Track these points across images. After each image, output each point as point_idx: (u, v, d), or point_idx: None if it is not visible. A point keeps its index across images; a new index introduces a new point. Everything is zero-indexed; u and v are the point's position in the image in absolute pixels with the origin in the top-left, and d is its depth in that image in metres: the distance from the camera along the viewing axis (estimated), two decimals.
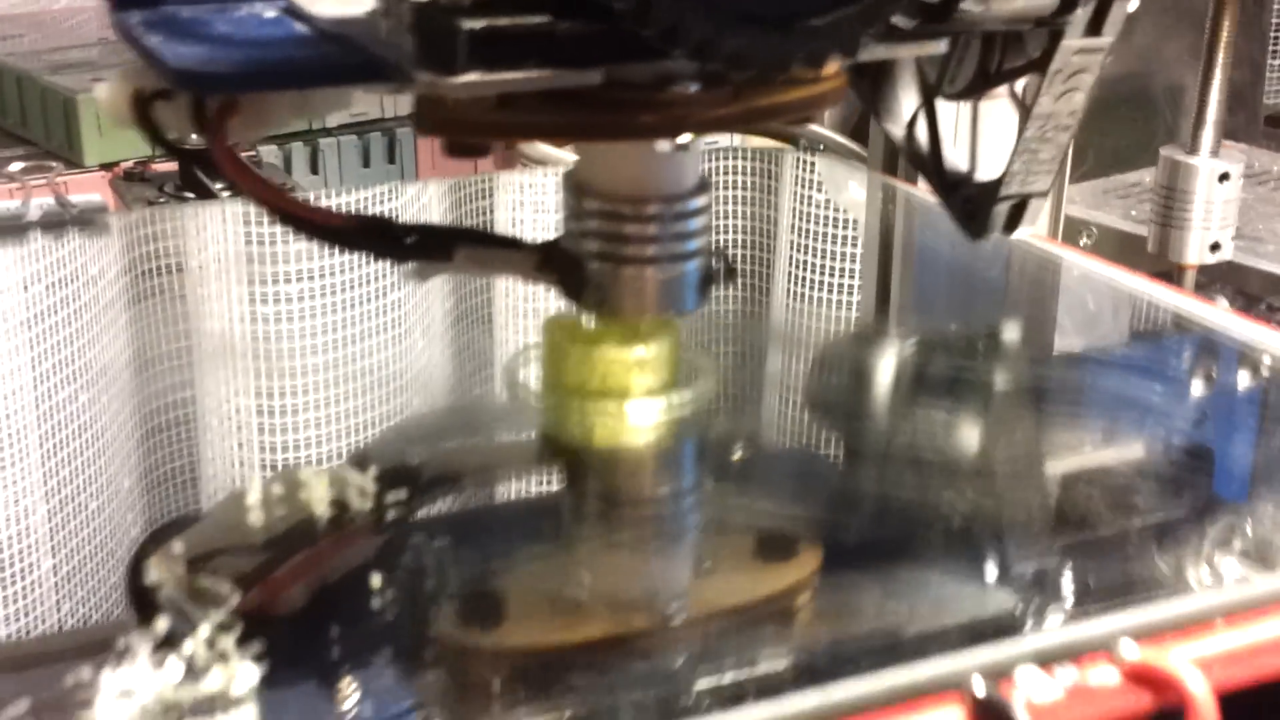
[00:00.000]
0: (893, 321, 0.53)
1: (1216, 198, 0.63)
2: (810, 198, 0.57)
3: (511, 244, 0.39)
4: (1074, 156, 0.65)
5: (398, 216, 0.52)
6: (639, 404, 0.39)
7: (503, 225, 0.55)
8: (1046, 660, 0.29)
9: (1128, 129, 0.80)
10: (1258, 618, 0.31)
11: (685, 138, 0.34)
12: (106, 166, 0.78)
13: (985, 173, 0.41)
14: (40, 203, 0.50)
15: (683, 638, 0.33)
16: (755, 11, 0.31)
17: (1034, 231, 0.49)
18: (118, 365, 0.45)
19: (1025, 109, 0.39)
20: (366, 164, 0.78)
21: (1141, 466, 0.41)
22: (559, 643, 0.32)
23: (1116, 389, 0.47)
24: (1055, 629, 0.31)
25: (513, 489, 0.42)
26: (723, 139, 0.74)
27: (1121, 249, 0.67)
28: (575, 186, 0.37)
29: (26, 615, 0.35)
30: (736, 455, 0.42)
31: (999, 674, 0.28)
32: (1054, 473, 0.40)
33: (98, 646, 0.30)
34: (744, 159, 0.60)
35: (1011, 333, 0.51)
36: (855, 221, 0.56)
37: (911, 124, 0.43)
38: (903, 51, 0.35)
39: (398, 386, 0.47)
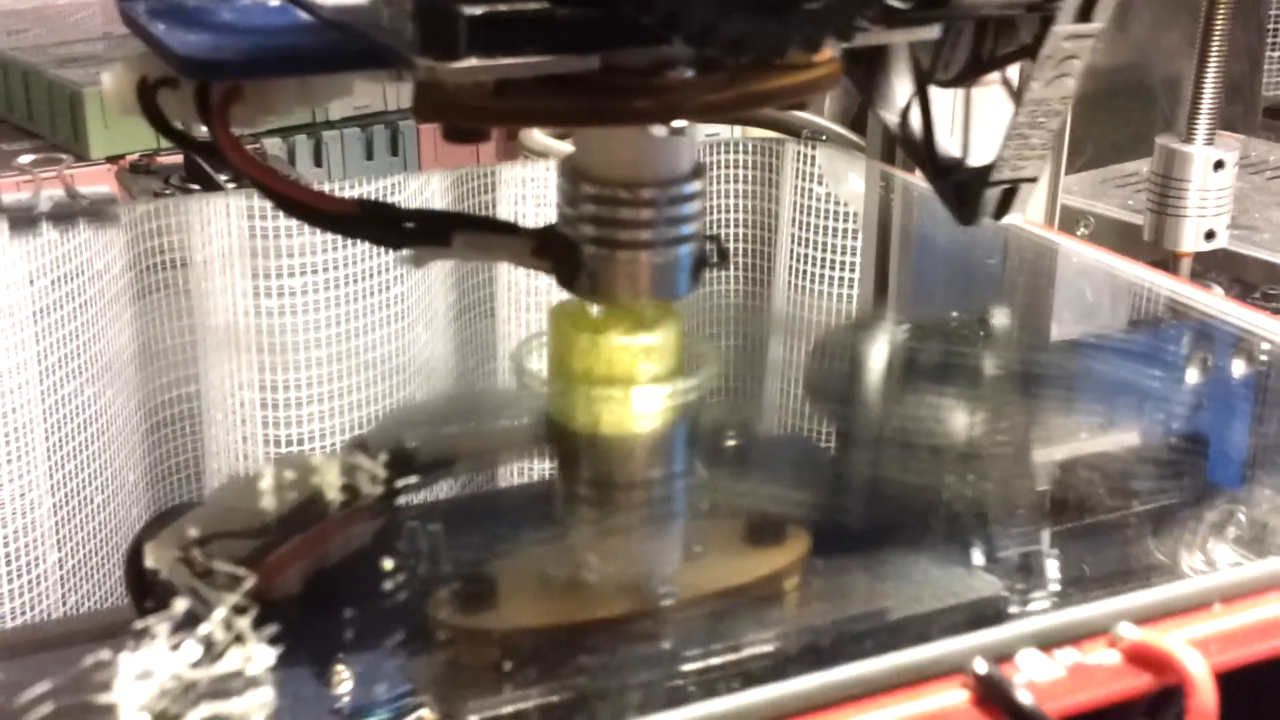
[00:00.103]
0: (892, 309, 0.54)
1: (1211, 186, 0.63)
2: (811, 190, 0.57)
3: (508, 229, 0.40)
4: (1073, 147, 0.65)
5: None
6: (644, 390, 0.39)
7: (505, 217, 0.56)
8: (1047, 643, 0.29)
9: (1126, 120, 0.80)
10: (1254, 600, 0.31)
11: (680, 123, 0.34)
12: (112, 159, 0.79)
13: (977, 159, 0.41)
14: (50, 194, 0.50)
15: (689, 620, 0.33)
16: None
17: (1030, 220, 0.50)
18: (123, 358, 0.45)
19: (1017, 95, 0.39)
20: (370, 156, 0.79)
21: (1139, 452, 0.41)
22: (573, 623, 0.33)
23: (1112, 374, 0.47)
24: (1055, 612, 0.31)
25: (520, 474, 0.42)
26: (724, 131, 0.75)
27: (1118, 238, 0.67)
28: (571, 172, 0.38)
29: (33, 608, 0.36)
30: (740, 441, 0.43)
31: (1001, 656, 0.29)
32: (1053, 458, 0.41)
33: (108, 631, 0.31)
34: (745, 152, 0.60)
35: (1010, 319, 0.51)
36: (855, 214, 0.56)
37: (905, 111, 0.43)
38: (896, 37, 0.36)
39: (403, 378, 0.48)
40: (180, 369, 0.45)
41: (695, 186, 0.38)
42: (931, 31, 0.36)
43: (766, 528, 0.37)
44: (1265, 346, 0.45)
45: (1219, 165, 0.63)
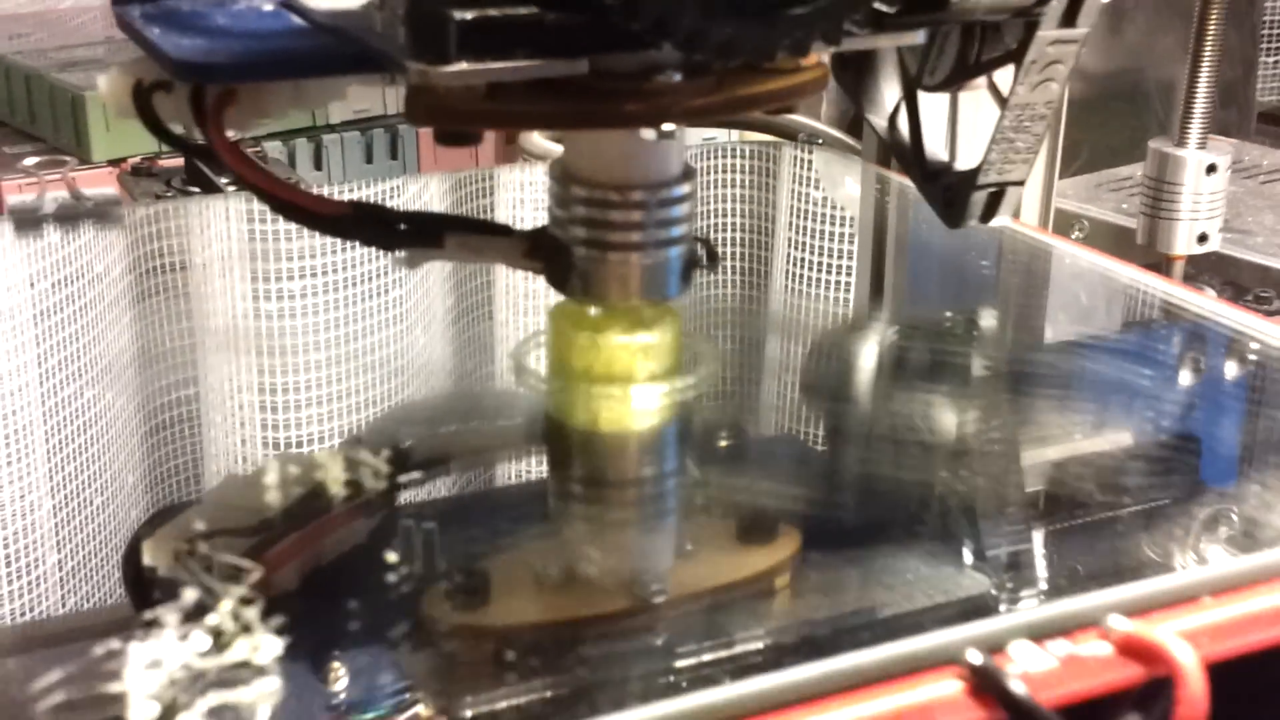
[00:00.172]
0: (888, 311, 0.54)
1: (1204, 189, 0.63)
2: (808, 195, 0.58)
3: (500, 231, 0.40)
4: (1067, 151, 0.66)
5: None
6: (643, 389, 0.40)
7: (503, 220, 0.56)
8: (1039, 634, 0.30)
9: (1120, 124, 0.80)
10: (1244, 593, 0.31)
11: (669, 126, 0.35)
12: (114, 162, 0.79)
13: (964, 162, 0.42)
14: (54, 196, 0.50)
15: (687, 613, 0.33)
16: (741, 2, 0.32)
17: (1024, 223, 0.50)
18: (123, 361, 0.46)
19: (1003, 100, 0.39)
20: (369, 160, 0.79)
21: (1131, 450, 0.42)
22: (574, 618, 0.33)
23: (1105, 374, 0.48)
24: (1048, 604, 0.31)
25: (520, 471, 0.43)
26: (720, 135, 0.75)
27: (1112, 241, 0.68)
28: (562, 175, 0.38)
29: (32, 610, 0.36)
30: (737, 439, 0.43)
31: (994, 647, 0.29)
32: (1046, 457, 0.41)
33: (111, 626, 0.31)
34: (742, 156, 0.60)
35: (1005, 321, 0.52)
36: (852, 218, 0.57)
37: (894, 115, 0.44)
38: (882, 41, 0.36)
39: (403, 380, 0.48)
40: (180, 371, 0.45)
41: (685, 189, 0.38)
42: (917, 36, 0.36)
43: (764, 524, 0.38)
44: (1256, 347, 0.45)
45: (1211, 169, 0.63)
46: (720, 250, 0.57)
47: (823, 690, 0.28)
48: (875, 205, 0.59)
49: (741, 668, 0.30)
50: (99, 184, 0.52)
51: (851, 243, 0.55)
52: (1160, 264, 0.64)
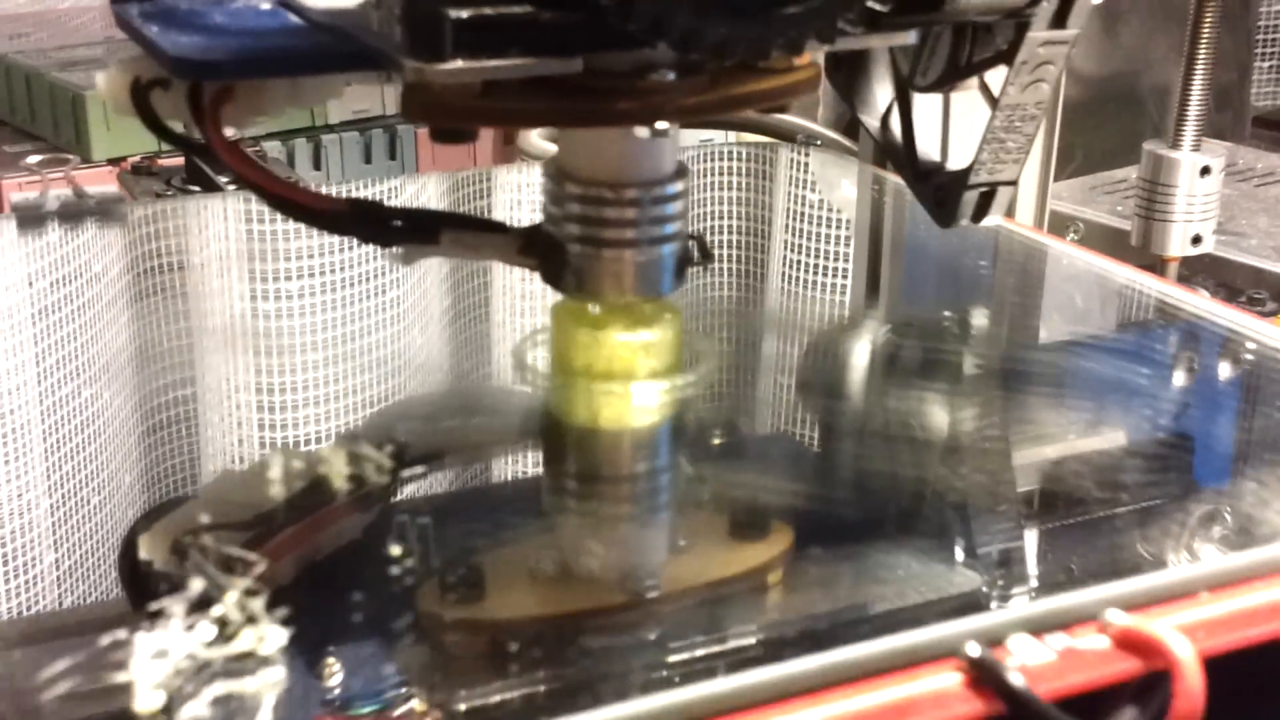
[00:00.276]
0: (885, 310, 0.54)
1: (1198, 191, 0.64)
2: (804, 197, 0.58)
3: (495, 228, 0.40)
4: (1062, 154, 0.66)
5: None
6: (644, 386, 0.40)
7: (501, 220, 0.56)
8: (1038, 628, 0.30)
9: (1115, 127, 0.81)
10: (1240, 588, 0.32)
11: (663, 124, 0.35)
12: (114, 162, 0.79)
13: (956, 163, 0.42)
14: (57, 194, 0.51)
15: (688, 606, 0.34)
16: (736, 1, 0.32)
17: (1020, 223, 0.50)
18: (121, 360, 0.46)
19: (994, 100, 0.40)
20: (368, 160, 0.79)
21: (1129, 447, 0.42)
22: (576, 612, 0.34)
23: (1101, 373, 0.48)
24: (1046, 599, 0.31)
25: (521, 467, 0.43)
26: (718, 136, 0.75)
27: (1107, 243, 0.68)
28: (556, 172, 0.39)
29: (29, 608, 0.36)
30: (737, 436, 0.43)
31: (993, 641, 0.29)
32: (1043, 454, 0.41)
33: (109, 620, 0.31)
34: (740, 159, 0.61)
35: (1001, 320, 0.52)
36: (849, 221, 0.57)
37: (886, 115, 0.44)
38: (874, 41, 0.36)
39: (401, 380, 0.48)
40: (177, 371, 0.45)
41: (678, 186, 0.38)
42: (909, 37, 0.36)
43: (763, 519, 0.38)
44: (1251, 346, 0.45)
45: (1205, 171, 0.63)
46: (718, 251, 0.57)
47: (824, 682, 0.28)
48: (872, 206, 0.59)
49: (742, 660, 0.30)
50: (99, 183, 0.52)
51: (848, 244, 0.56)
52: (1154, 266, 0.64)
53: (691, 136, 0.64)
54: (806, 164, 0.60)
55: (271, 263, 0.50)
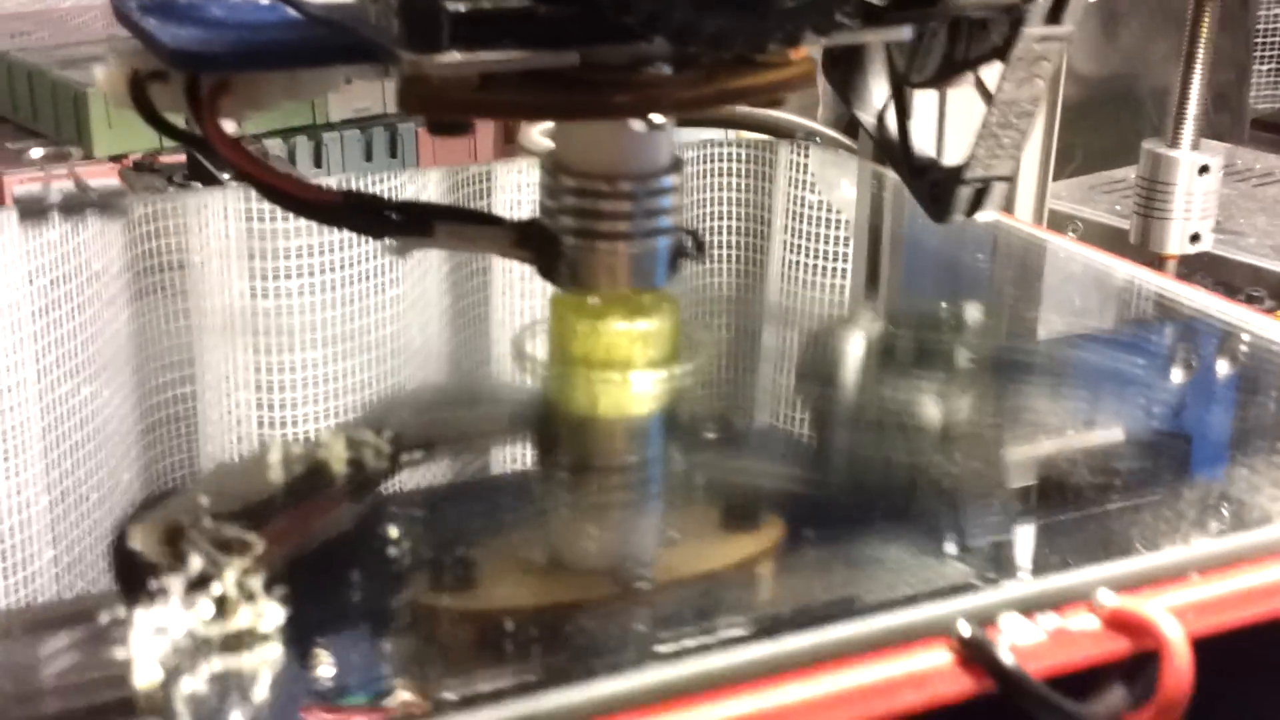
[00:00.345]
0: (883, 304, 0.54)
1: (1197, 189, 0.64)
2: (803, 198, 0.58)
3: (490, 220, 0.40)
4: (1062, 154, 0.66)
5: None
6: (641, 375, 0.40)
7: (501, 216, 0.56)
8: (1029, 608, 0.30)
9: (1115, 128, 0.81)
10: (1230, 571, 0.32)
11: (658, 118, 0.35)
12: (116, 159, 0.80)
13: (952, 159, 0.42)
14: (60, 187, 0.51)
15: (687, 586, 0.34)
16: None
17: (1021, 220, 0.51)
18: (120, 359, 0.46)
19: (989, 96, 0.40)
20: (369, 157, 0.79)
21: (1124, 434, 0.42)
22: (578, 595, 0.34)
23: (1099, 364, 0.48)
24: (1038, 579, 0.32)
25: (521, 455, 0.43)
26: (718, 135, 0.75)
27: (1106, 242, 0.68)
28: (552, 166, 0.39)
29: (27, 606, 0.36)
30: (734, 423, 0.44)
31: (984, 620, 0.29)
32: (1040, 440, 0.42)
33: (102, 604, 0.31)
34: (739, 160, 0.61)
35: (1000, 313, 0.52)
36: (848, 222, 0.57)
37: (882, 112, 0.44)
38: (869, 36, 0.36)
39: (402, 378, 0.48)
40: (176, 369, 0.45)
41: (673, 180, 0.39)
42: (904, 32, 0.36)
43: (761, 503, 0.38)
44: (1246, 338, 0.46)
45: (1204, 169, 0.64)
46: (720, 246, 0.57)
47: (817, 659, 0.29)
48: (872, 203, 0.59)
49: (738, 638, 0.30)
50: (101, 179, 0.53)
51: (847, 244, 0.56)
52: (1153, 264, 0.64)
53: (692, 135, 0.64)
54: (806, 162, 0.60)
55: (272, 260, 0.50)
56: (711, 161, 0.60)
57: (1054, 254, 0.54)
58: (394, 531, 0.36)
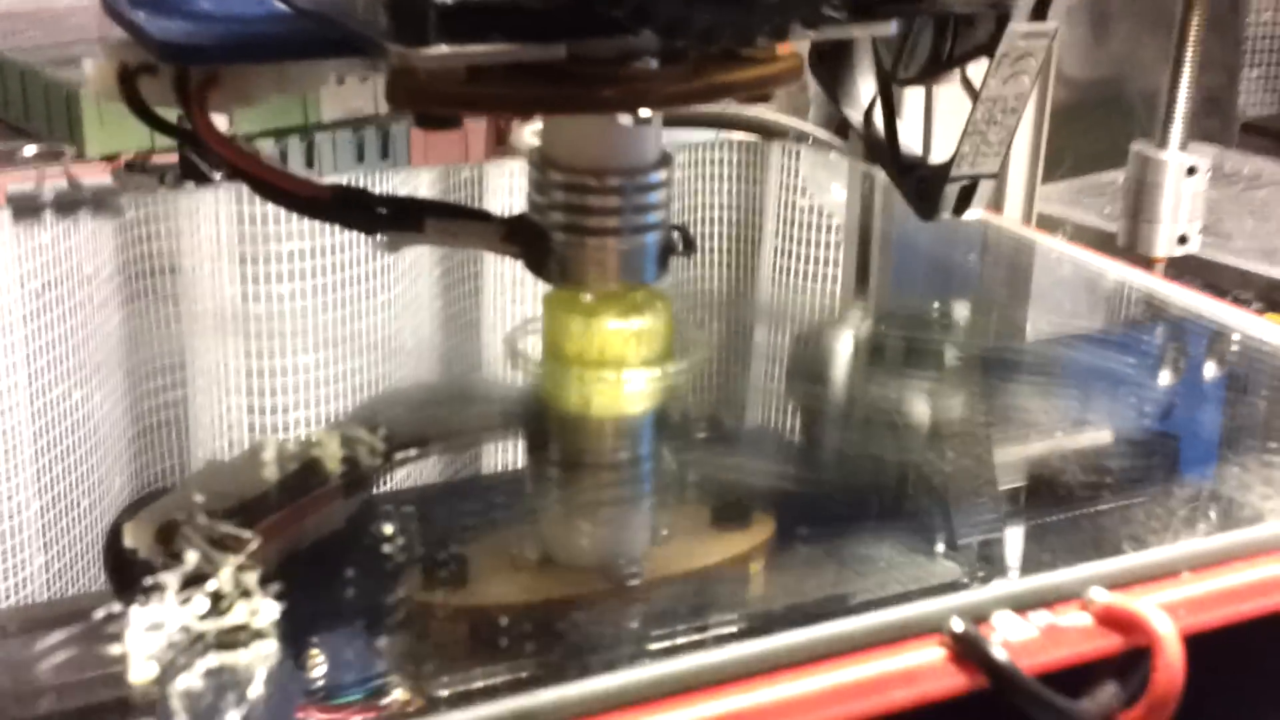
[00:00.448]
0: (873, 302, 0.55)
1: (1184, 191, 0.64)
2: (794, 202, 0.58)
3: (479, 216, 0.41)
4: (1052, 158, 0.66)
5: None
6: (634, 373, 0.41)
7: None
8: (1022, 605, 0.30)
9: (1104, 133, 0.81)
10: (1221, 569, 0.32)
11: (645, 112, 0.35)
12: (109, 159, 0.79)
13: (939, 156, 0.42)
14: (53, 185, 0.51)
15: (682, 583, 0.34)
16: None
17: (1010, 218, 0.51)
18: (112, 362, 0.46)
19: (975, 94, 0.40)
20: (361, 158, 0.79)
21: (1115, 433, 0.42)
22: (573, 591, 0.34)
23: (1090, 363, 0.48)
24: (1030, 577, 0.32)
25: (515, 451, 0.43)
26: (709, 134, 0.75)
27: (1095, 245, 0.68)
28: (540, 161, 0.39)
29: (20, 610, 0.35)
30: (728, 421, 0.44)
31: (978, 617, 0.30)
32: (1032, 439, 0.42)
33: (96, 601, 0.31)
34: (730, 163, 0.61)
35: (991, 312, 0.52)
36: (839, 226, 0.58)
37: (869, 110, 0.44)
38: (856, 30, 0.36)
39: (395, 382, 0.48)
40: (168, 373, 0.45)
41: (661, 175, 0.39)
42: (889, 27, 0.37)
43: (756, 501, 0.38)
44: (1236, 338, 0.46)
45: (1191, 171, 0.64)
46: (713, 244, 0.57)
47: (813, 656, 0.29)
48: (862, 202, 0.60)
49: (735, 633, 0.31)
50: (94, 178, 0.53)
51: (838, 249, 0.56)
52: (1141, 267, 0.64)
53: (685, 136, 0.65)
54: (797, 155, 0.61)
55: (264, 264, 0.50)
56: (703, 165, 0.61)
57: (1044, 254, 0.55)
58: (388, 530, 0.36)
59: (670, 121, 0.62)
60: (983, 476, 0.40)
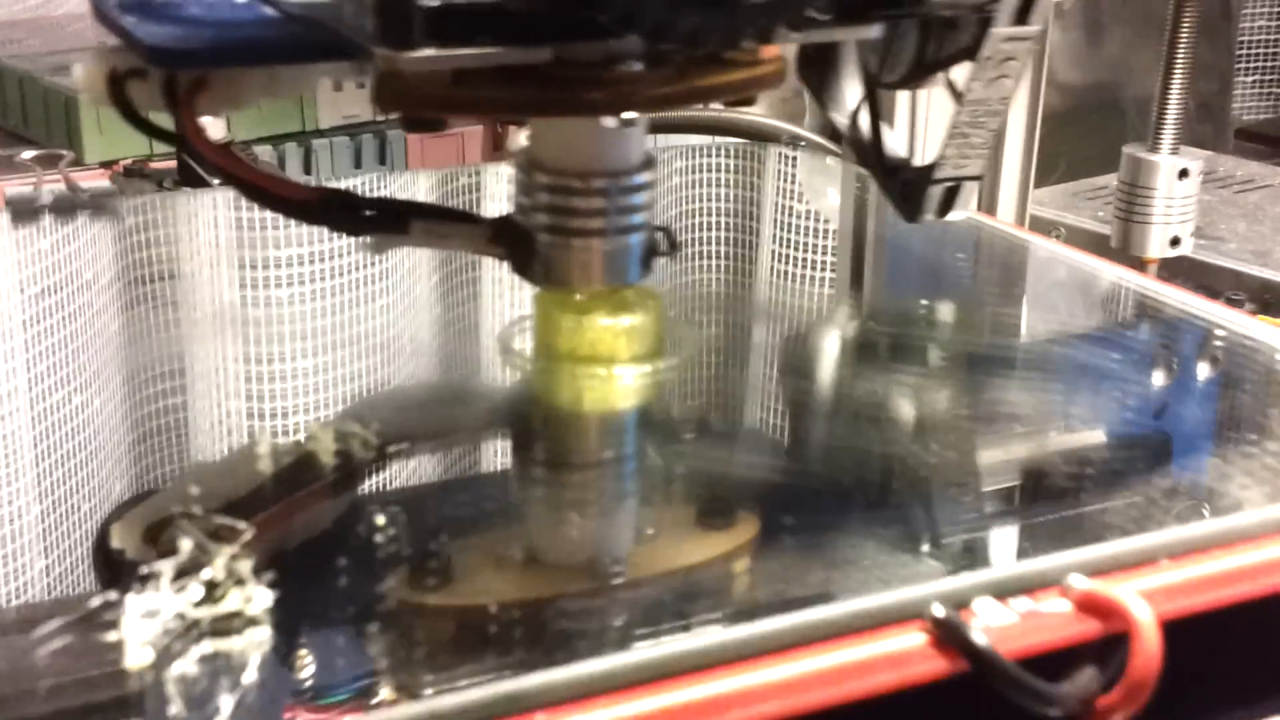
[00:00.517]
0: (867, 304, 0.55)
1: (1176, 193, 0.64)
2: (791, 207, 0.59)
3: (465, 218, 0.41)
4: (1047, 163, 0.67)
5: None
6: (625, 370, 0.41)
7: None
8: (1002, 592, 0.31)
9: (1099, 137, 0.81)
10: (1199, 556, 0.33)
11: (630, 115, 0.36)
12: (107, 164, 0.80)
13: (924, 159, 0.42)
14: (51, 189, 0.51)
15: (671, 573, 0.35)
16: None
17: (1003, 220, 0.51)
18: (111, 367, 0.46)
19: (959, 96, 0.40)
20: (358, 164, 0.80)
21: (1098, 427, 0.43)
22: (562, 587, 0.35)
23: (1075, 358, 0.49)
24: (1011, 563, 0.33)
25: (506, 449, 0.44)
26: (704, 139, 0.76)
27: (1088, 247, 0.68)
28: (525, 163, 0.39)
29: (19, 613, 0.36)
30: (718, 417, 0.44)
31: (959, 604, 0.30)
32: (1019, 432, 0.42)
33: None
34: (726, 169, 0.61)
35: (979, 309, 0.53)
36: (834, 231, 0.58)
37: (855, 113, 0.45)
38: (840, 33, 0.37)
39: (393, 389, 0.49)
40: (167, 379, 0.45)
41: (645, 177, 0.39)
42: (873, 30, 0.37)
43: (744, 494, 0.39)
44: (1221, 334, 0.46)
45: (1184, 173, 0.64)
46: (708, 245, 0.58)
47: (795, 641, 0.29)
48: (856, 205, 0.60)
49: (723, 620, 0.31)
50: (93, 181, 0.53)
51: (834, 251, 0.56)
52: (1134, 268, 0.65)
53: (680, 140, 0.65)
54: (794, 160, 0.61)
55: (263, 269, 0.50)
56: (700, 170, 0.61)
57: (1037, 256, 0.55)
58: (383, 528, 0.36)
59: (666, 126, 0.63)
60: (968, 469, 0.40)
